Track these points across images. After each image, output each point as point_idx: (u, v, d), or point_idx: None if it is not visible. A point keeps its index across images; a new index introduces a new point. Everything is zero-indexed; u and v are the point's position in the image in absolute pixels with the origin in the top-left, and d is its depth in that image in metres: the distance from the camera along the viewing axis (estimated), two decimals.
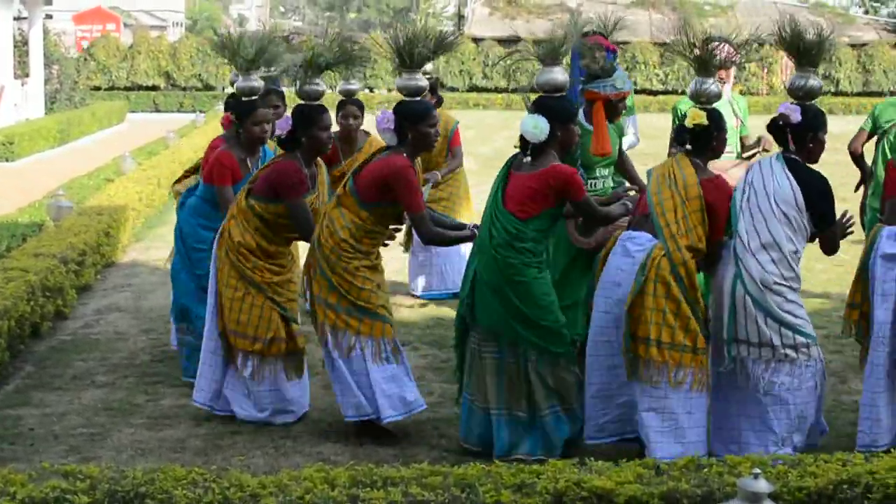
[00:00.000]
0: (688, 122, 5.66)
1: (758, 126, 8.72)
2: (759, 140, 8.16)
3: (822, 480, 4.10)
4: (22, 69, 26.87)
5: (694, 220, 5.52)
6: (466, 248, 7.04)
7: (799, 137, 5.62)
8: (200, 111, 29.33)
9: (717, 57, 5.80)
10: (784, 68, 36.55)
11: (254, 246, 6.29)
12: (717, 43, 5.85)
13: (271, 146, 7.28)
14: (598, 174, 6.81)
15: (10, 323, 7.42)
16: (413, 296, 9.53)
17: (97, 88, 35.58)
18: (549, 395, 5.71)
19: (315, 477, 4.08)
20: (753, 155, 8.09)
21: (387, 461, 5.44)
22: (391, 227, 6.15)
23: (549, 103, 5.82)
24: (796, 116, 5.60)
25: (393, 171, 5.84)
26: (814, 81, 5.69)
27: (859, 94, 37.41)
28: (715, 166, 5.97)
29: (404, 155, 5.91)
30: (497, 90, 36.98)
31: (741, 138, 8.30)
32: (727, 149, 6.20)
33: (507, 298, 5.65)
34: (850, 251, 7.96)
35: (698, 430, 5.53)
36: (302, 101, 6.40)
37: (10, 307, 7.46)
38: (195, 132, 21.54)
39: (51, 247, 9.23)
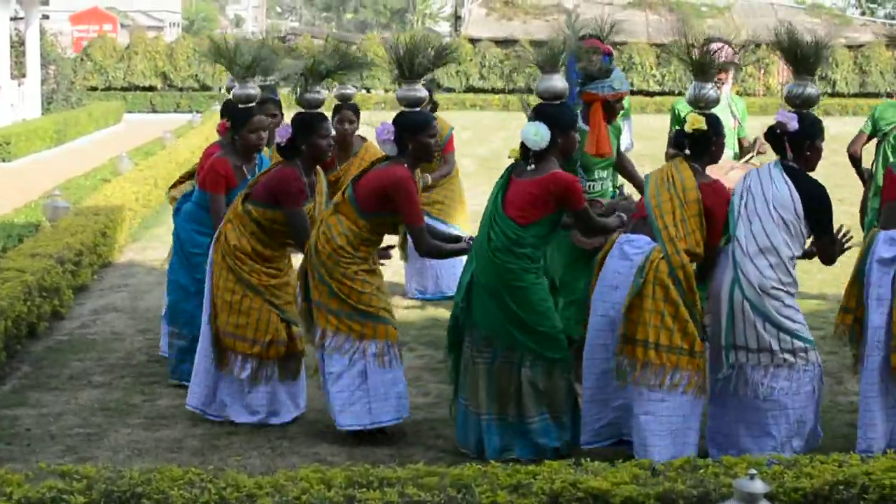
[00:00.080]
0: (687, 127, 5.67)
1: (755, 128, 8.73)
2: (755, 141, 8.16)
3: (819, 481, 4.11)
4: (18, 69, 26.87)
5: (692, 224, 5.53)
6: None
7: (796, 146, 5.62)
8: (197, 111, 29.32)
9: (718, 59, 5.81)
10: (781, 69, 36.59)
11: (249, 250, 6.29)
12: (717, 47, 5.85)
13: (267, 153, 7.28)
14: (596, 176, 6.81)
15: (7, 323, 7.42)
16: (408, 298, 9.53)
17: (94, 89, 35.59)
18: (539, 403, 5.71)
19: (311, 477, 4.08)
20: (751, 159, 8.10)
21: (383, 462, 5.44)
22: (382, 252, 6.15)
23: (549, 111, 5.83)
24: (793, 125, 5.60)
25: (394, 181, 5.84)
26: (811, 90, 5.69)
27: (856, 96, 37.48)
28: (713, 167, 5.98)
29: (405, 166, 5.91)
30: (494, 91, 37.00)
31: (739, 140, 8.31)
32: (725, 150, 6.20)
33: (504, 303, 5.65)
34: (847, 253, 7.95)
35: (695, 434, 5.54)
36: (302, 109, 6.39)
37: (6, 307, 7.45)
38: (192, 132, 21.54)
39: (47, 247, 9.23)
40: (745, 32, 5.87)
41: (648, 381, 5.44)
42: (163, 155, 17.21)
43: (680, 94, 30.91)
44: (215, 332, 6.34)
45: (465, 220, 9.64)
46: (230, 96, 7.11)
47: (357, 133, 8.53)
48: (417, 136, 5.93)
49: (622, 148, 7.16)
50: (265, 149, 7.15)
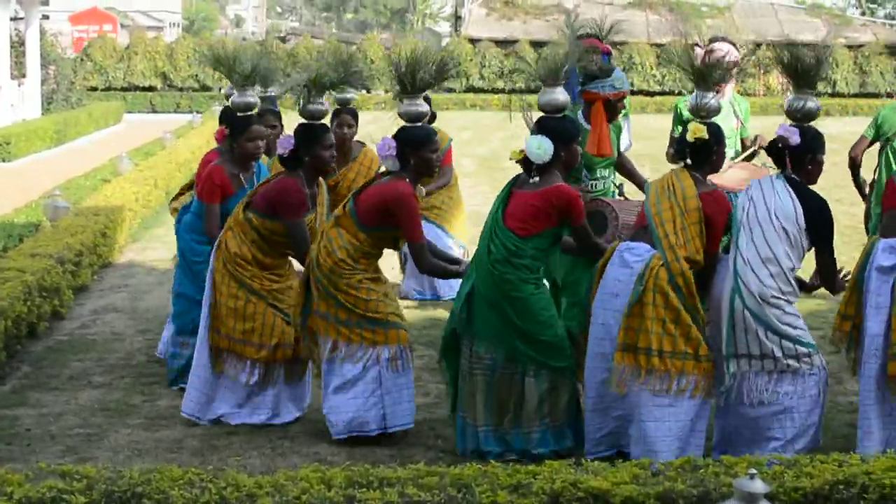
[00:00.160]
0: (688, 136, 5.68)
1: (756, 128, 8.73)
2: (755, 139, 8.16)
3: (819, 481, 4.11)
4: (18, 70, 26.87)
5: (692, 231, 5.54)
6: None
7: (797, 159, 5.62)
8: (197, 112, 29.31)
9: (723, 60, 5.79)
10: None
11: (250, 258, 6.29)
12: (722, 51, 5.84)
13: (266, 162, 7.27)
14: (598, 175, 6.82)
15: (7, 323, 7.42)
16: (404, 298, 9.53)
17: (94, 89, 35.59)
18: (540, 409, 5.72)
19: (311, 477, 4.08)
20: (751, 155, 8.09)
21: (383, 462, 5.45)
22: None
23: (551, 124, 5.83)
24: (795, 139, 5.61)
25: (395, 197, 5.84)
26: (811, 104, 5.70)
27: (856, 96, 37.44)
28: None
29: (407, 181, 5.91)
30: (494, 91, 36.99)
31: (741, 140, 8.30)
32: (727, 150, 6.20)
33: (504, 314, 5.67)
34: (846, 259, 7.95)
35: (701, 436, 5.55)
36: (304, 120, 6.37)
37: (6, 307, 7.46)
38: (192, 133, 21.54)
39: (47, 247, 9.23)
40: (746, 32, 5.84)
41: (654, 386, 5.43)
42: (163, 155, 17.22)
43: (680, 93, 30.91)
44: (214, 341, 6.34)
45: (464, 227, 9.64)
46: (229, 104, 7.10)
47: (356, 139, 8.52)
48: (419, 152, 5.93)
49: (621, 148, 7.16)
50: (264, 157, 7.15)
